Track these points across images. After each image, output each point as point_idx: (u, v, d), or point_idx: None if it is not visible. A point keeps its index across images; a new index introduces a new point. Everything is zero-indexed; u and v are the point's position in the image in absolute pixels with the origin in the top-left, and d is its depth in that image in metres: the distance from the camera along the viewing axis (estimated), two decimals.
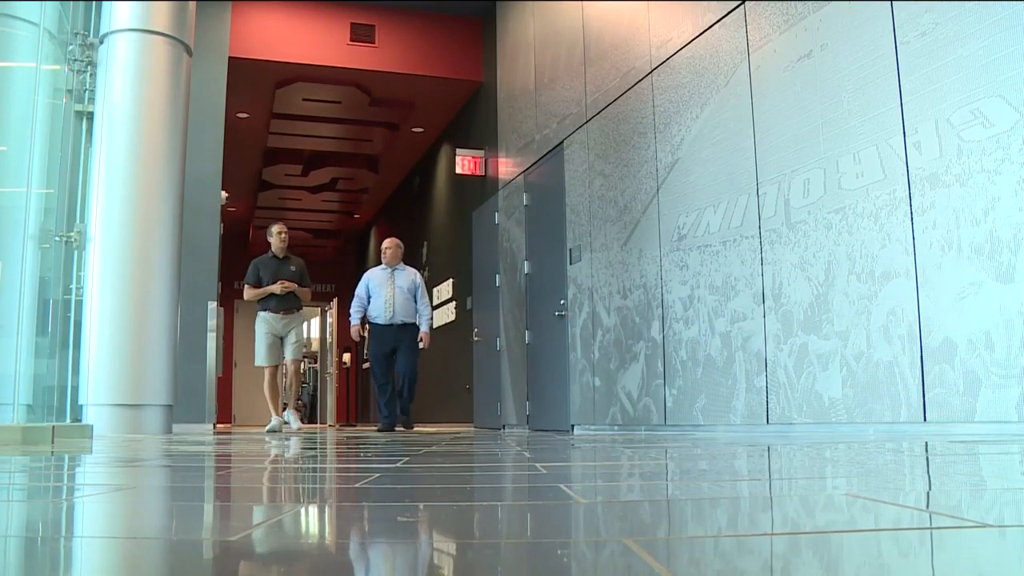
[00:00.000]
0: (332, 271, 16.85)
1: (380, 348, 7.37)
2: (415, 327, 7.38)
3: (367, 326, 7.52)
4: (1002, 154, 3.22)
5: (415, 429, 7.43)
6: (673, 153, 5.47)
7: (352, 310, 7.48)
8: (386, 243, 7.63)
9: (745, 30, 4.83)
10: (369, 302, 7.42)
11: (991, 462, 2.09)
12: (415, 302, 7.41)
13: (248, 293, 7.19)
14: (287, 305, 7.22)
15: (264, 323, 7.21)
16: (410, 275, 7.51)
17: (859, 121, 3.95)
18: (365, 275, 7.59)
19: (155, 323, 5.52)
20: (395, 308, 7.29)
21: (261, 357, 7.15)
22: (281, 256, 7.27)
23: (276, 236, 7.28)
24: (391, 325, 7.29)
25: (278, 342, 7.20)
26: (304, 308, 7.52)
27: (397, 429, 7.21)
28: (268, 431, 6.82)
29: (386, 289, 7.35)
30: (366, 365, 15.83)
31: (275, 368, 7.22)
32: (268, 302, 7.13)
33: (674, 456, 2.51)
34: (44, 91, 5.72)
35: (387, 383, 7.31)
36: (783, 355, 4.37)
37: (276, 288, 7.07)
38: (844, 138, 4.03)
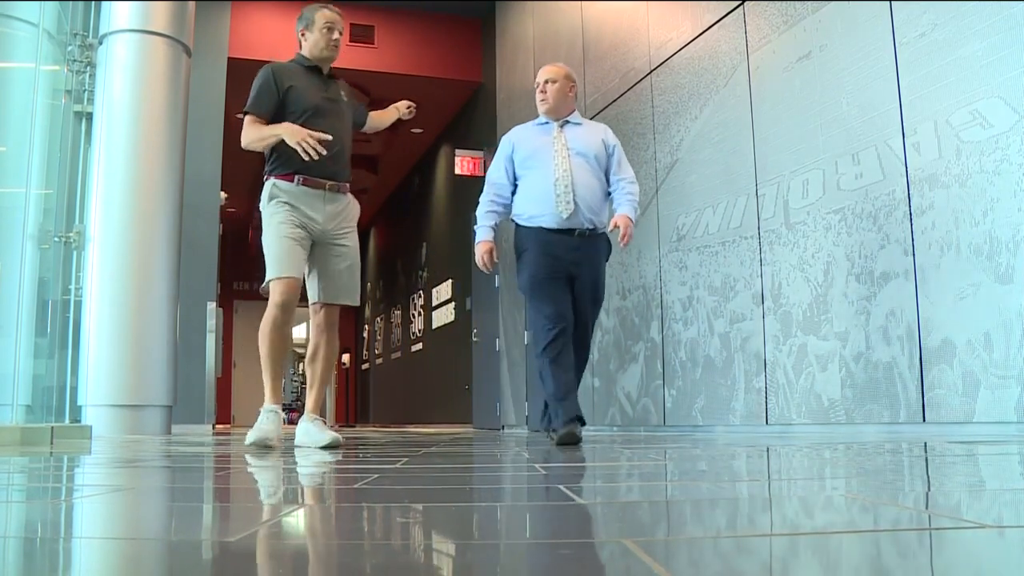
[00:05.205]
0: None
1: (549, 273, 3.66)
2: (606, 239, 3.85)
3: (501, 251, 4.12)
4: (1001, 155, 3.23)
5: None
6: (672, 154, 5.47)
7: (480, 211, 3.87)
8: (545, 71, 3.90)
9: (744, 31, 4.83)
10: (515, 191, 3.84)
11: (990, 463, 2.09)
12: (606, 182, 3.84)
13: (248, 132, 3.39)
14: (337, 172, 3.50)
15: (287, 202, 3.37)
16: (598, 133, 3.91)
17: (858, 122, 3.95)
18: (505, 138, 3.94)
19: (154, 323, 5.53)
20: (575, 194, 3.66)
21: (275, 262, 3.32)
22: (325, 72, 3.61)
23: (321, 32, 3.51)
24: (571, 231, 3.68)
25: (308, 246, 3.42)
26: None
27: (551, 435, 3.65)
28: (262, 441, 3.23)
29: (554, 158, 3.72)
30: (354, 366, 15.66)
31: (295, 288, 3.36)
32: (296, 157, 3.29)
33: (673, 457, 2.51)
34: (43, 91, 5.72)
35: (568, 340, 3.63)
36: (782, 356, 4.37)
37: (312, 140, 3.25)
38: (843, 139, 4.03)
